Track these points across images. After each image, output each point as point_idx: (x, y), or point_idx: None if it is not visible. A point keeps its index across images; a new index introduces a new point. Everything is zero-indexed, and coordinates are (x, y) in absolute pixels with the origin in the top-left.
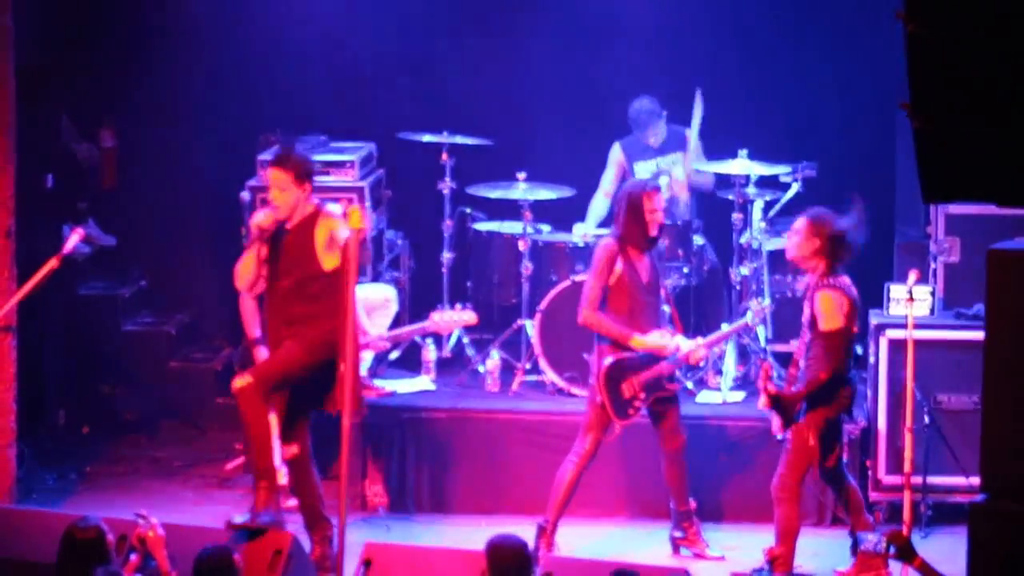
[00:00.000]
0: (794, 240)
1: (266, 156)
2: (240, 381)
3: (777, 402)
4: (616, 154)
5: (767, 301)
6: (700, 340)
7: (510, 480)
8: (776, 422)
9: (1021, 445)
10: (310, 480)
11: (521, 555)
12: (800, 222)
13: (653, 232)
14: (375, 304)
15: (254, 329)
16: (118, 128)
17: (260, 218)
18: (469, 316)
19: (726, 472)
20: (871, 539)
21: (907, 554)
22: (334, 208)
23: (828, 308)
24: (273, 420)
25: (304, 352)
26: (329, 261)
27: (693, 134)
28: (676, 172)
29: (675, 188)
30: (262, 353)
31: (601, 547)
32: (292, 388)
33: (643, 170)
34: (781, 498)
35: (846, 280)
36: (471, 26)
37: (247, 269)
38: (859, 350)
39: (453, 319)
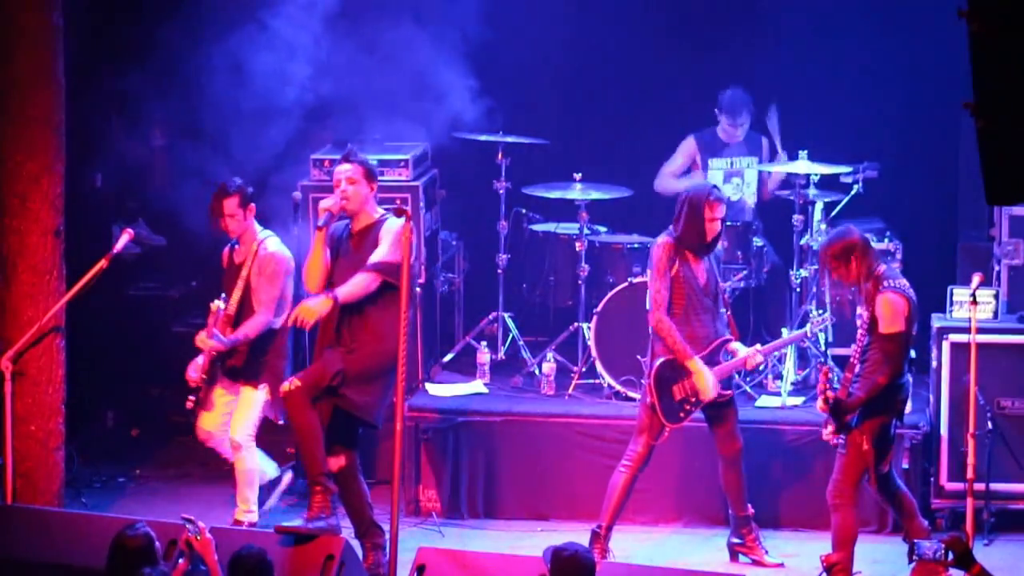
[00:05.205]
0: (844, 273)
1: (319, 155)
2: (287, 385)
3: (836, 407)
4: (688, 146)
5: (827, 313)
6: (758, 347)
7: (565, 485)
8: (828, 427)
9: None
10: (358, 489)
11: (587, 566)
12: (833, 262)
13: (709, 239)
14: None
15: None
16: (168, 127)
17: (327, 202)
18: None
19: (786, 477)
20: (929, 546)
21: (966, 561)
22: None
23: (890, 311)
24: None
25: (349, 365)
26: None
27: (777, 144)
28: (748, 175)
29: (744, 191)
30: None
31: (659, 554)
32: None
33: (717, 167)
34: (837, 504)
35: (905, 283)
36: (528, 24)
37: (316, 268)
38: (912, 353)
39: None
